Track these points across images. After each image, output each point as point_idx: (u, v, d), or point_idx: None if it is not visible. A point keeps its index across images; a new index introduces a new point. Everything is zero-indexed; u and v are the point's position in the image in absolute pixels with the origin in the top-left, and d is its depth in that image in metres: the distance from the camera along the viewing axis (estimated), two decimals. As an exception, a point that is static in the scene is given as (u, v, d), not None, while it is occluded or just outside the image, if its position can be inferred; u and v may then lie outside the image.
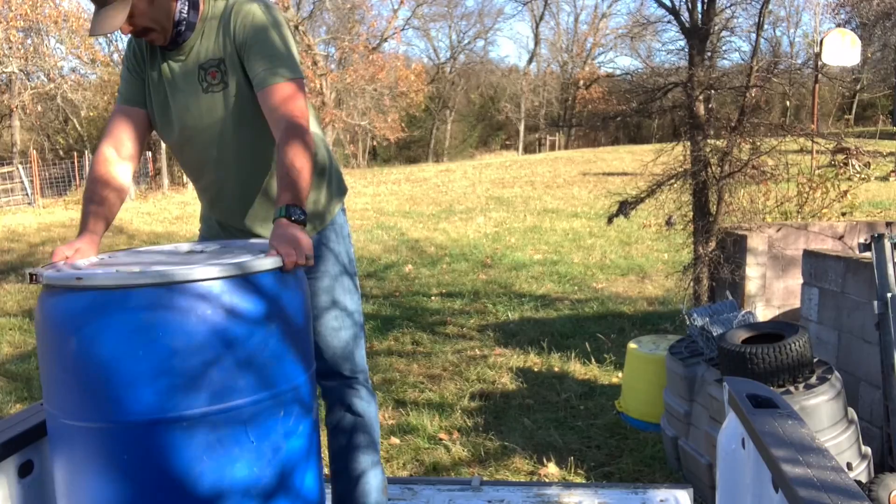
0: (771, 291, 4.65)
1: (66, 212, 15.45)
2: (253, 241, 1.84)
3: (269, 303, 1.49)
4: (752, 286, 4.60)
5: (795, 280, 4.37)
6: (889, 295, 2.91)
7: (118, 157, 1.91)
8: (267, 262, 1.50)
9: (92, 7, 1.75)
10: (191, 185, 20.75)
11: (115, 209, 1.90)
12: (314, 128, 1.97)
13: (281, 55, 1.82)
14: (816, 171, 6.54)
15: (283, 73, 1.80)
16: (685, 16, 4.65)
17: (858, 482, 2.66)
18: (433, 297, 7.04)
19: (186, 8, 1.83)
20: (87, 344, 1.38)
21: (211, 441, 1.41)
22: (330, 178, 2.09)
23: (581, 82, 37.68)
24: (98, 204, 1.85)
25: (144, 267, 1.46)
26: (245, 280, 1.46)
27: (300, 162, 1.71)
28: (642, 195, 4.73)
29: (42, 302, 1.48)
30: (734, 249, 4.62)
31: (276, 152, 1.75)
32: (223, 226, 2.04)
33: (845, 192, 6.19)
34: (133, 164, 1.95)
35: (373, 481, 2.12)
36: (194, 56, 1.87)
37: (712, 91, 4.68)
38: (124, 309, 1.38)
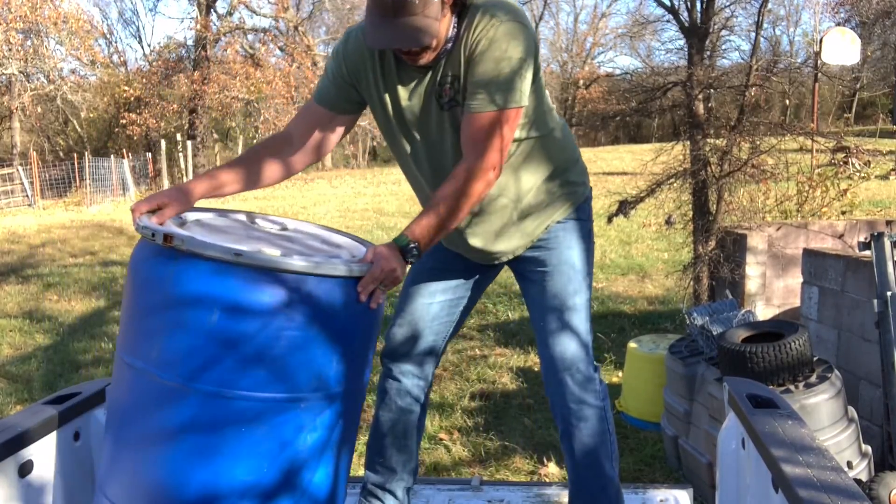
0: (771, 290, 4.65)
1: (66, 213, 15.45)
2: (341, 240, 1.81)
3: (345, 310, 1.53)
4: (751, 285, 4.59)
5: (795, 279, 4.37)
6: (889, 293, 2.91)
7: (292, 148, 1.86)
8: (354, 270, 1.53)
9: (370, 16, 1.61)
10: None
11: (234, 186, 1.79)
12: (548, 127, 1.89)
13: (496, 80, 1.67)
14: (816, 170, 6.53)
15: (491, 100, 1.68)
16: (684, 15, 4.65)
17: (859, 481, 2.66)
18: (433, 298, 7.02)
19: (456, 23, 1.71)
20: (208, 313, 1.44)
21: (248, 423, 1.47)
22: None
23: (581, 82, 37.66)
24: (228, 169, 1.79)
25: (286, 252, 1.53)
26: (341, 282, 1.51)
27: (453, 207, 1.65)
28: (642, 194, 4.73)
29: (174, 264, 1.47)
30: (734, 248, 4.62)
31: (448, 176, 1.69)
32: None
33: (845, 191, 6.18)
34: (308, 159, 1.90)
35: None
36: (443, 71, 1.75)
37: (712, 90, 4.68)
38: (265, 290, 1.44)
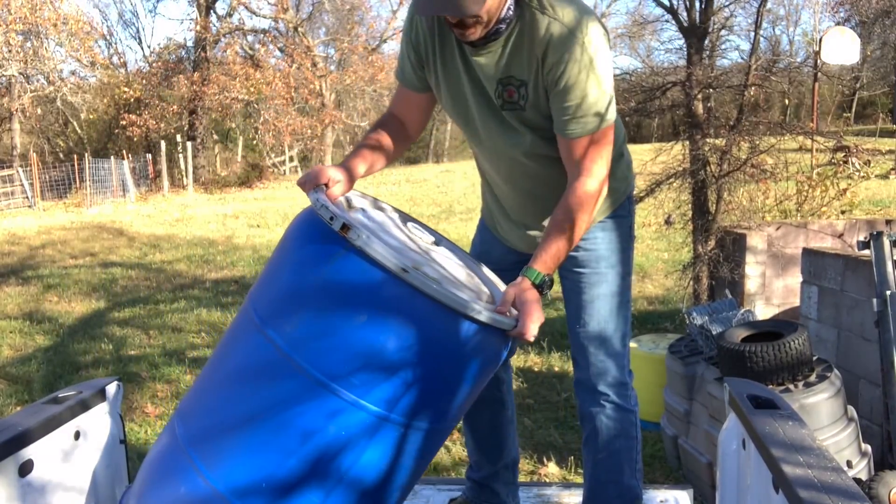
0: (770, 290, 4.65)
1: (66, 214, 15.45)
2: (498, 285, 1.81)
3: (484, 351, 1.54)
4: (751, 285, 4.59)
5: (795, 278, 4.37)
6: (888, 293, 2.91)
7: (399, 128, 1.89)
8: (505, 323, 1.53)
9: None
10: (191, 187, 20.57)
11: (379, 165, 1.85)
12: (619, 154, 1.87)
13: (588, 102, 1.64)
14: (816, 170, 6.53)
15: (588, 124, 1.65)
16: (683, 15, 4.66)
17: (858, 480, 2.66)
18: (433, 298, 7.03)
19: (513, 4, 1.64)
20: (364, 316, 1.45)
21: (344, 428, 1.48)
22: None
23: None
24: (371, 149, 1.80)
25: (443, 279, 1.53)
26: (488, 330, 1.50)
27: (573, 231, 1.64)
28: (641, 194, 4.73)
29: (340, 253, 1.47)
30: (733, 248, 4.62)
31: (561, 202, 1.67)
32: (498, 212, 2.01)
33: (845, 191, 6.18)
34: (409, 141, 1.94)
35: None
36: (497, 64, 1.69)
37: (711, 90, 4.68)
38: (418, 313, 1.45)
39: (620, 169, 1.91)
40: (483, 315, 1.46)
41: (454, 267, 1.72)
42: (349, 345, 1.45)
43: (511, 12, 1.63)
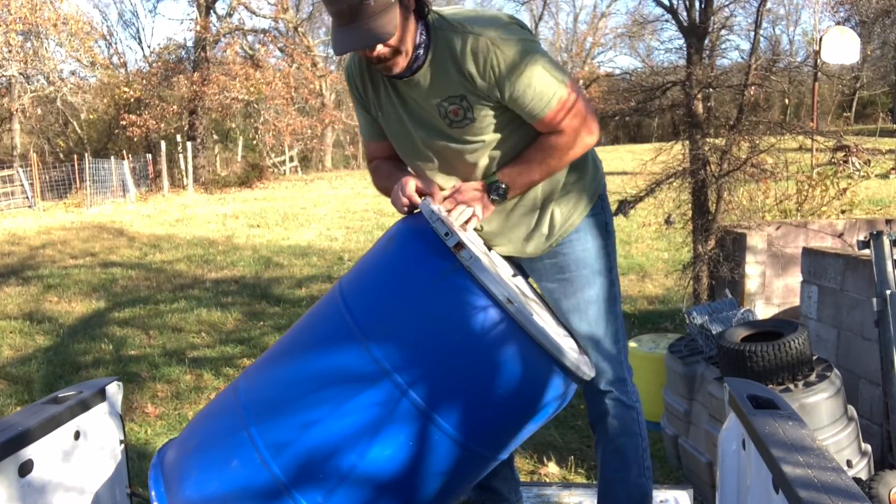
0: (770, 289, 4.65)
1: (66, 214, 15.45)
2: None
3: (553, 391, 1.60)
4: (751, 284, 4.59)
5: (795, 278, 4.37)
6: (888, 292, 2.91)
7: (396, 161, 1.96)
8: (583, 370, 1.62)
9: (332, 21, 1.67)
10: (191, 187, 20.54)
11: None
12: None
13: (542, 82, 1.72)
14: (816, 169, 6.53)
15: (551, 96, 1.73)
16: (683, 15, 4.65)
17: (858, 479, 2.66)
18: (433, 298, 7.03)
19: (424, 31, 1.74)
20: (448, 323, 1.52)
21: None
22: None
23: (580, 82, 37.66)
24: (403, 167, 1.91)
25: (533, 314, 1.57)
26: (557, 365, 1.57)
27: (547, 158, 1.79)
28: (641, 194, 4.73)
29: (448, 270, 1.52)
30: (733, 248, 4.62)
31: (540, 142, 1.79)
32: None
33: (845, 190, 6.17)
34: None
35: None
36: (430, 89, 1.77)
37: (711, 89, 4.68)
38: (515, 344, 1.51)
39: (590, 170, 1.96)
40: (570, 362, 1.52)
41: (536, 304, 1.78)
42: (440, 361, 1.49)
43: (424, 37, 1.74)
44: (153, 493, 1.57)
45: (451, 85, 1.75)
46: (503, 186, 1.77)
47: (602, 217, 1.98)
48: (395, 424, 1.49)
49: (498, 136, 1.81)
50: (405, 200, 1.73)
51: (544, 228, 1.90)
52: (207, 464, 1.56)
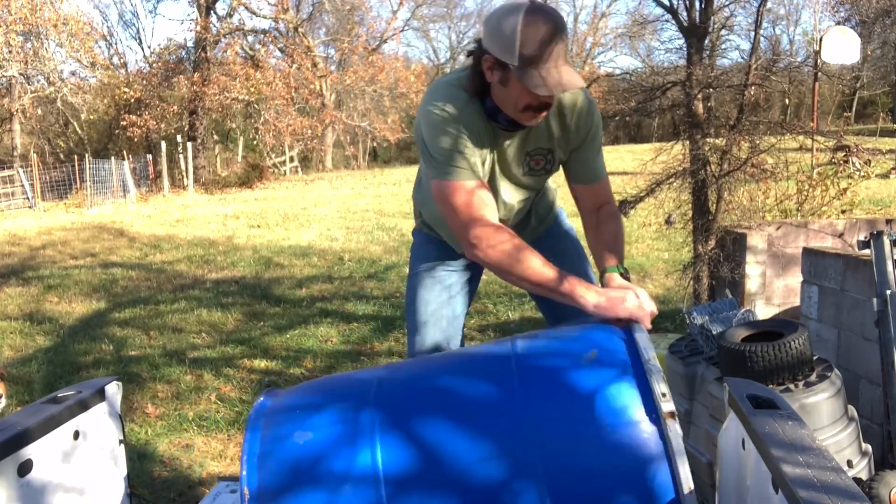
0: (771, 289, 4.65)
1: (66, 215, 15.46)
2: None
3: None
4: (751, 284, 4.59)
5: (795, 278, 4.37)
6: (888, 292, 2.91)
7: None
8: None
9: None
10: (191, 188, 20.53)
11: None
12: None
13: (601, 152, 2.03)
14: (816, 169, 6.53)
15: (604, 165, 2.04)
16: (683, 15, 4.65)
17: (859, 479, 2.66)
18: (434, 298, 7.02)
19: None
20: None
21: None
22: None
23: (580, 81, 37.63)
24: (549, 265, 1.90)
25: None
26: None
27: (622, 238, 2.01)
28: (642, 194, 4.73)
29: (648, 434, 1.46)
30: (734, 248, 4.62)
31: (605, 223, 2.00)
32: None
33: (845, 190, 6.17)
34: None
35: None
36: (524, 139, 1.93)
37: (711, 89, 4.68)
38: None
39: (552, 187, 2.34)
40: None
41: None
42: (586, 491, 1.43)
43: None
44: (247, 440, 1.53)
45: (543, 138, 1.93)
46: (625, 269, 1.92)
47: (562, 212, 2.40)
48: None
49: (545, 185, 2.12)
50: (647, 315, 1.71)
51: (533, 222, 2.24)
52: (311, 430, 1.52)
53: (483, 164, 1.90)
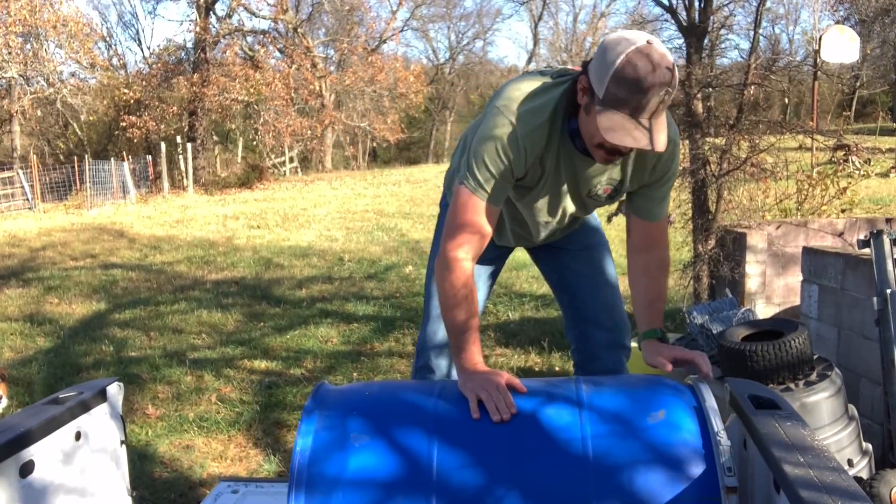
0: (771, 289, 4.65)
1: (66, 216, 15.46)
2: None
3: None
4: (751, 284, 4.60)
5: (795, 277, 4.37)
6: (888, 291, 2.91)
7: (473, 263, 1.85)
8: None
9: None
10: (191, 189, 20.51)
11: None
12: None
13: (668, 196, 1.99)
14: (816, 168, 6.53)
15: (667, 207, 2.00)
16: (683, 14, 4.66)
17: (859, 478, 2.66)
18: (434, 298, 7.02)
19: None
20: None
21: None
22: None
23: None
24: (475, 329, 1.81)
25: None
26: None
27: (665, 293, 2.00)
28: (642, 194, 4.73)
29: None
30: (734, 247, 4.62)
31: (654, 273, 1.97)
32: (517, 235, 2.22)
33: (845, 189, 6.17)
34: None
35: None
36: (599, 168, 1.85)
37: (711, 89, 4.68)
38: None
39: None
40: None
41: None
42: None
43: None
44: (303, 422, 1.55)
45: (617, 170, 1.87)
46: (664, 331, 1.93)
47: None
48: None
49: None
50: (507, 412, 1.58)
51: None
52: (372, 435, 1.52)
53: (540, 181, 1.87)
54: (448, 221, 1.82)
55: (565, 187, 1.90)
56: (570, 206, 1.98)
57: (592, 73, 1.63)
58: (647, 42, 1.55)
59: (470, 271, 1.78)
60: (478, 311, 1.81)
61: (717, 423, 1.52)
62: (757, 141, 4.53)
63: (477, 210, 1.77)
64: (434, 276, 2.07)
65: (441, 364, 2.25)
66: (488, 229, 1.81)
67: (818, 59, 7.78)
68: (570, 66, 1.85)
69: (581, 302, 2.25)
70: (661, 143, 1.59)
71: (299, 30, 27.37)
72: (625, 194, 1.97)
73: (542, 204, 1.96)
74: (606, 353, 2.21)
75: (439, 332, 2.18)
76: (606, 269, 2.24)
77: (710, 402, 1.57)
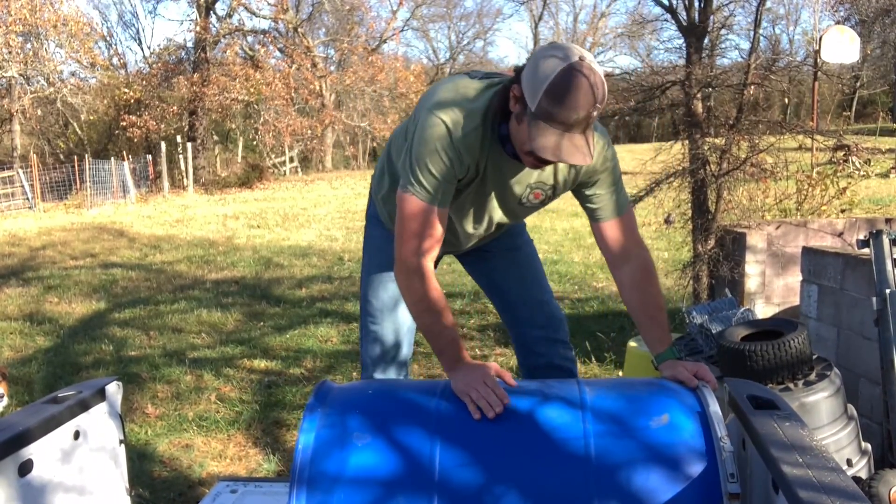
0: (770, 289, 4.65)
1: (66, 215, 15.46)
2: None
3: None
4: (751, 284, 4.60)
5: (795, 277, 4.37)
6: (888, 291, 2.91)
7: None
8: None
9: None
10: (191, 188, 20.54)
11: None
12: None
13: (620, 181, 1.94)
14: (816, 169, 6.53)
15: (626, 197, 1.96)
16: (683, 14, 4.66)
17: (858, 478, 2.66)
18: (433, 298, 7.02)
19: None
20: None
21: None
22: None
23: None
24: (452, 326, 1.83)
25: None
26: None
27: (662, 300, 1.96)
28: (641, 194, 4.73)
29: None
30: (733, 247, 4.62)
31: (643, 284, 1.93)
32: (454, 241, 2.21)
33: (844, 189, 6.17)
34: None
35: None
36: (528, 176, 1.88)
37: (711, 89, 4.68)
38: None
39: None
40: None
41: None
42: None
43: None
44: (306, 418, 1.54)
45: (549, 175, 1.89)
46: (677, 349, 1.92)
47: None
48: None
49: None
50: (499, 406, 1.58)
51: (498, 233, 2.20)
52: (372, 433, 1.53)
53: (470, 184, 1.87)
54: (401, 231, 1.81)
55: (493, 195, 1.93)
56: (497, 213, 1.99)
57: (525, 84, 1.65)
58: (580, 58, 1.58)
59: (433, 274, 1.81)
60: (449, 308, 1.82)
61: (720, 429, 1.53)
62: (757, 141, 4.53)
63: (427, 215, 1.79)
64: (371, 292, 2.19)
65: (389, 377, 2.28)
66: (441, 232, 1.82)
67: (818, 60, 7.78)
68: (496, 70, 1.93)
69: (512, 304, 2.29)
70: (591, 157, 1.65)
71: (299, 29, 27.36)
72: (556, 198, 2.01)
73: (469, 213, 1.98)
74: (545, 349, 2.26)
75: (377, 349, 2.23)
76: (533, 267, 2.28)
77: (714, 408, 1.58)
